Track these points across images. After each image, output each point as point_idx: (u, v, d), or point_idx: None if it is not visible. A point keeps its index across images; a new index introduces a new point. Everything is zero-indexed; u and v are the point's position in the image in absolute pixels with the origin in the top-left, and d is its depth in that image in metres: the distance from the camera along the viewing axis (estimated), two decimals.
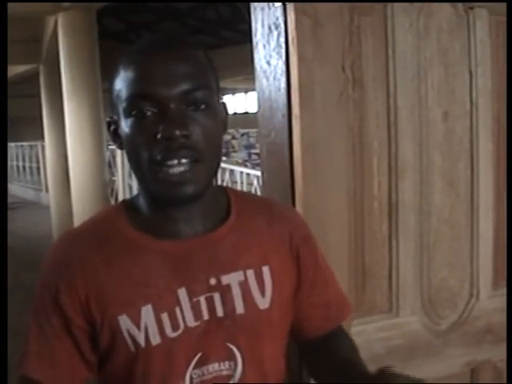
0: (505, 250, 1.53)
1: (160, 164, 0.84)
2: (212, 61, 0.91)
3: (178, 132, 0.82)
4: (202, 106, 0.86)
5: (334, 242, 1.29)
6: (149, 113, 0.84)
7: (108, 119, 0.93)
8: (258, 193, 4.62)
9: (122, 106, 0.86)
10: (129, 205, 0.95)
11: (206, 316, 0.90)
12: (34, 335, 0.91)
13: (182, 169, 0.84)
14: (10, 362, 1.14)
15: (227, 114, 0.94)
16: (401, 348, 1.44)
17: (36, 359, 0.90)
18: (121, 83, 0.86)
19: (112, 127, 0.92)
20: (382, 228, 1.40)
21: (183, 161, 0.84)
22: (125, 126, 0.86)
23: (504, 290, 1.52)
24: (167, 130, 0.82)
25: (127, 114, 0.85)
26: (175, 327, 0.89)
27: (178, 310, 0.89)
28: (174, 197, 0.86)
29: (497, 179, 1.52)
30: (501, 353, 1.46)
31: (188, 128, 0.83)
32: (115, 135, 0.92)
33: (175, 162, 0.83)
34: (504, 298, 1.50)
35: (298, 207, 1.27)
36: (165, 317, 0.88)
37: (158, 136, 0.83)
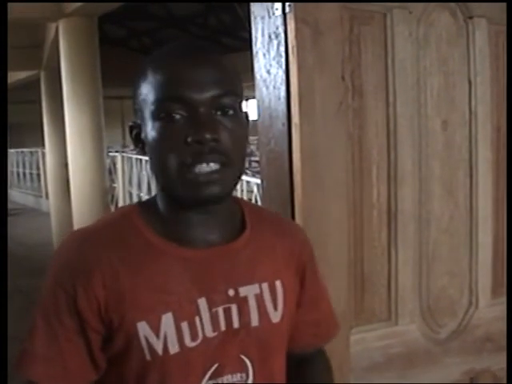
0: (504, 258, 1.53)
1: (189, 167, 0.84)
2: (237, 67, 0.91)
3: (208, 136, 0.83)
4: (230, 112, 0.86)
5: (333, 250, 1.30)
6: (178, 116, 0.84)
7: (130, 123, 0.93)
8: (258, 200, 4.62)
9: (149, 110, 0.85)
10: (145, 208, 0.93)
11: (223, 327, 0.90)
12: (41, 336, 0.86)
13: (209, 170, 0.84)
14: (10, 365, 1.14)
15: (249, 121, 0.94)
16: (400, 356, 1.44)
17: (44, 364, 0.86)
18: (148, 86, 0.86)
19: (134, 131, 0.92)
20: (381, 236, 1.40)
21: (212, 164, 0.84)
22: (151, 129, 0.86)
23: (503, 299, 1.52)
24: (198, 133, 0.82)
25: (155, 117, 0.85)
26: (194, 337, 0.88)
27: (197, 319, 0.88)
28: (200, 197, 0.85)
29: (496, 188, 1.53)
30: (500, 361, 1.46)
31: (218, 132, 0.84)
32: (137, 140, 0.91)
33: (204, 165, 0.84)
34: (503, 307, 1.50)
35: (298, 215, 1.28)
36: (185, 326, 0.87)
37: (189, 139, 0.83)
